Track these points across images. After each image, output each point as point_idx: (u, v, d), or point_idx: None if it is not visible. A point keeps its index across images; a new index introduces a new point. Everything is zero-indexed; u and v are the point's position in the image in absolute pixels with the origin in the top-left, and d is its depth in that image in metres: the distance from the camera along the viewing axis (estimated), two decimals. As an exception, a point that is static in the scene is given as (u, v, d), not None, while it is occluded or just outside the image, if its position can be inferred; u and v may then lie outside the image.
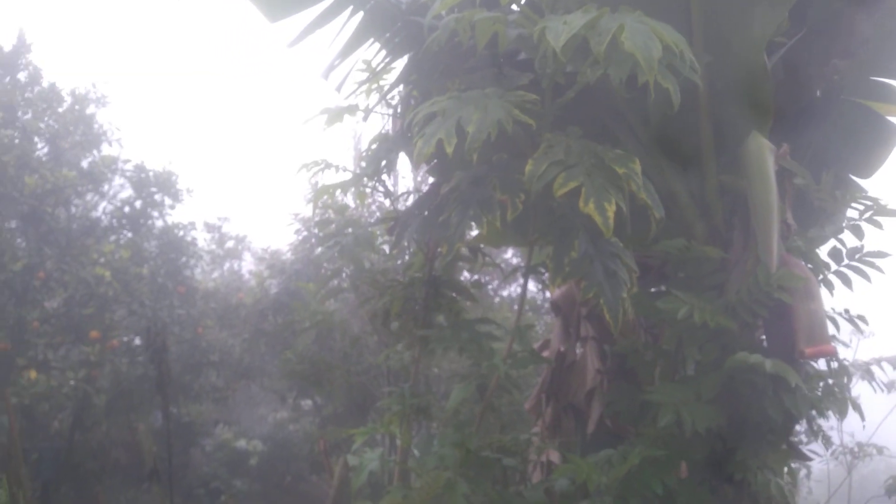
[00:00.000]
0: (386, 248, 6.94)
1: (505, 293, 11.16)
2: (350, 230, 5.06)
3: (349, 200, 8.24)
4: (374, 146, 3.65)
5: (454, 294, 4.05)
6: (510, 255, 10.05)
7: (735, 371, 2.73)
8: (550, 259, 2.58)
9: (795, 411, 2.68)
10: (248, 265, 13.03)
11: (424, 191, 3.78)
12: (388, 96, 3.81)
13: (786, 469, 3.03)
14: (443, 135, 2.37)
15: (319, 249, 4.61)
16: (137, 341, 8.92)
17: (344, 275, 7.24)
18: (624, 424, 3.44)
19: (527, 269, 3.17)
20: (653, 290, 3.61)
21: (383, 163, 3.56)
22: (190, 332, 8.82)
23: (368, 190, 3.87)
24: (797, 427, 3.12)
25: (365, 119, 3.73)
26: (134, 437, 10.14)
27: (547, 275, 3.01)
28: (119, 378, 7.26)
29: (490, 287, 9.91)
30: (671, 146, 3.20)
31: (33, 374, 6.09)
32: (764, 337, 3.09)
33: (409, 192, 4.21)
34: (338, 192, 3.94)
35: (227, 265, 12.89)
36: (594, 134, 2.64)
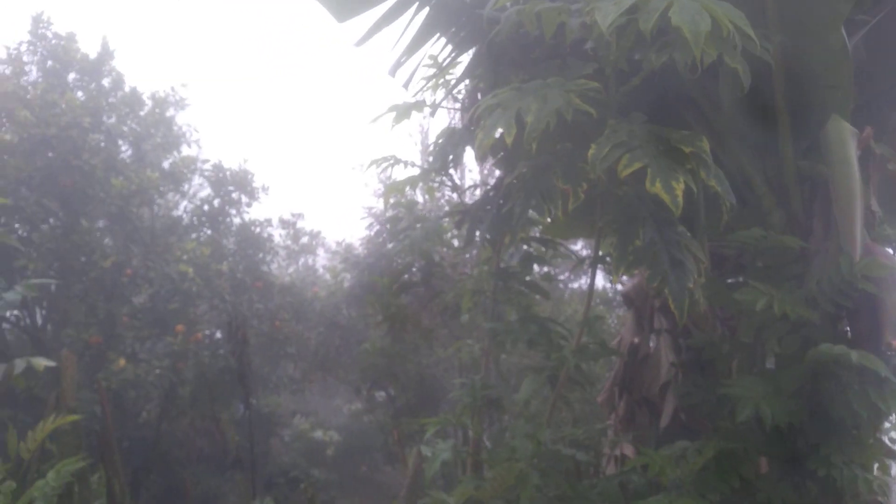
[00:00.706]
0: (455, 242, 7.00)
1: (576, 285, 11.04)
2: (419, 225, 5.13)
3: (418, 196, 8.33)
4: (440, 141, 3.69)
5: (523, 287, 4.06)
6: (580, 247, 9.95)
7: (817, 364, 2.63)
8: (614, 248, 2.54)
9: (884, 405, 2.56)
10: (322, 260, 13.36)
11: (492, 184, 3.80)
12: (455, 91, 3.83)
13: (876, 465, 2.90)
14: (502, 125, 2.37)
15: (391, 245, 4.70)
16: (219, 334, 9.28)
17: (415, 269, 7.34)
18: (699, 418, 3.35)
19: (594, 260, 3.13)
20: (730, 280, 3.51)
21: (450, 157, 3.59)
22: (268, 326, 9.11)
23: (436, 184, 3.89)
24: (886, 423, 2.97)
25: (432, 114, 3.76)
26: (217, 426, 10.57)
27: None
28: (202, 370, 7.58)
29: (561, 280, 9.81)
30: (745, 132, 3.09)
31: (122, 361, 6.45)
32: (848, 329, 2.95)
33: (476, 185, 4.22)
34: (407, 187, 4.00)
35: (301, 260, 13.23)
36: (663, 121, 2.58)
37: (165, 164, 8.93)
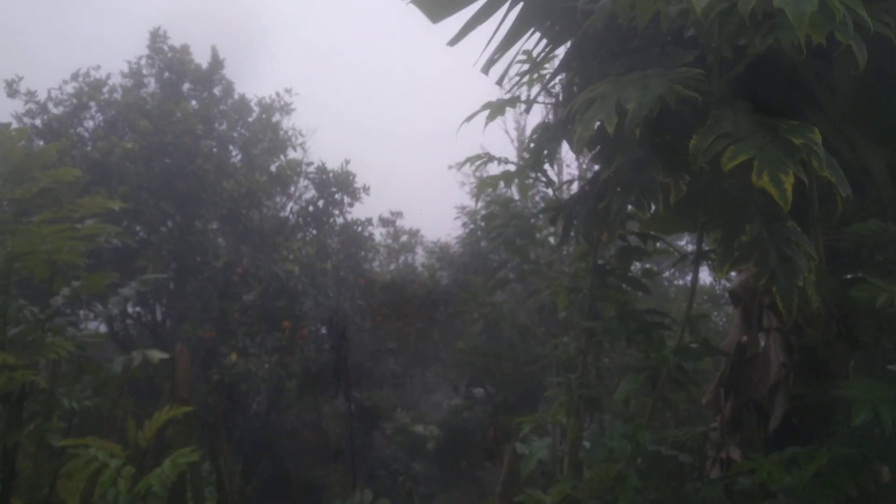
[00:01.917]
0: (551, 239, 6.93)
1: (681, 283, 10.66)
2: (513, 223, 5.11)
3: (513, 193, 8.29)
4: (535, 137, 3.66)
5: (622, 284, 3.96)
6: (685, 242, 9.59)
7: (945, 365, 2.43)
8: (719, 244, 2.43)
9: None
10: (421, 258, 13.58)
11: (589, 179, 3.73)
12: (550, 85, 3.79)
13: None
14: (602, 116, 2.31)
15: (483, 243, 4.70)
16: (324, 330, 9.61)
17: (510, 266, 7.33)
18: (812, 422, 3.17)
19: (697, 256, 3.01)
20: (847, 276, 3.29)
21: (545, 153, 3.55)
22: (370, 322, 9.35)
23: (531, 181, 3.86)
24: None
25: (527, 111, 3.74)
26: (321, 419, 10.96)
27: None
28: (308, 364, 7.87)
29: (665, 277, 9.51)
30: (864, 119, 2.88)
31: (234, 356, 6.79)
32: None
33: (572, 180, 4.16)
34: (500, 184, 3.99)
35: (402, 258, 13.50)
36: (770, 110, 2.45)
37: (272, 168, 9.34)
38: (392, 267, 13.19)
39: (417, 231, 12.95)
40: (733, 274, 4.26)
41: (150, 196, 7.26)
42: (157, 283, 9.18)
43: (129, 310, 8.87)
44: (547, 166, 3.79)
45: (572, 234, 3.59)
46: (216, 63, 10.14)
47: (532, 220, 4.63)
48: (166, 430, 3.01)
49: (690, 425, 4.71)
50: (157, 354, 3.37)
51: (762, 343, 3.87)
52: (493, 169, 4.08)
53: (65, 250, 2.95)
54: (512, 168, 3.83)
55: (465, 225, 10.53)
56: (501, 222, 5.70)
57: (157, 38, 10.03)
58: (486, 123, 3.73)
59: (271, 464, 10.20)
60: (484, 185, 4.12)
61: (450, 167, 10.53)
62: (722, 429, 4.08)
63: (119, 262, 6.57)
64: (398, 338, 10.58)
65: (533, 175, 3.79)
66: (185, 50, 10.11)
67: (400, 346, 10.62)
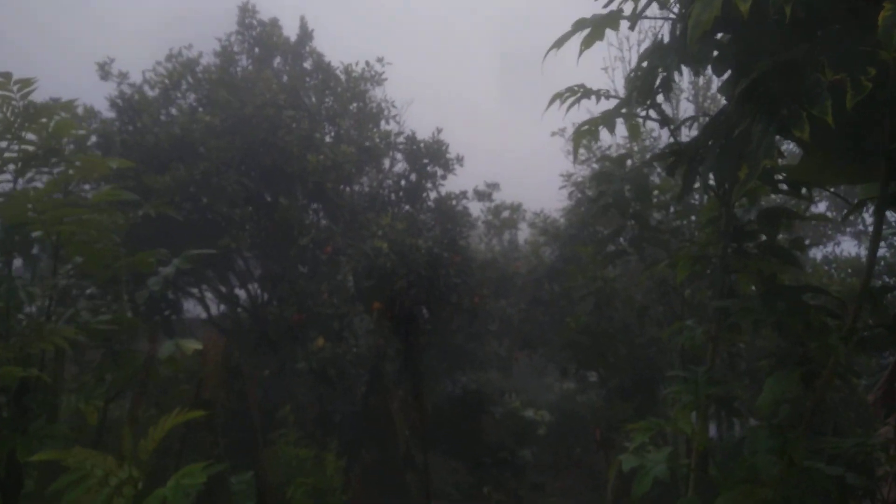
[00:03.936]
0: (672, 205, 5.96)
1: (821, 253, 9.30)
2: (627, 182, 4.25)
3: (617, 138, 7.35)
4: (644, 64, 2.83)
5: (766, 253, 3.06)
6: (824, 208, 8.21)
7: None
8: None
9: None
10: (524, 233, 12.78)
11: (719, 110, 2.84)
12: (663, -5, 2.93)
13: None
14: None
15: (584, 207, 3.88)
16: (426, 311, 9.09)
17: (625, 236, 6.43)
18: None
19: (881, 201, 2.10)
20: None
21: (657, 81, 2.72)
22: (468, 302, 8.70)
23: (640, 120, 3.02)
24: None
25: (632, 27, 2.90)
26: (419, 403, 10.53)
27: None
28: (402, 346, 7.35)
29: (818, 246, 8.23)
30: None
31: (321, 341, 6.35)
32: None
33: (695, 117, 3.27)
34: (601, 127, 3.16)
35: (505, 235, 12.76)
36: None
37: (363, 141, 8.84)
38: (494, 243, 12.51)
39: (520, 206, 12.16)
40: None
41: (232, 171, 6.90)
42: (246, 263, 8.98)
43: (223, 291, 8.70)
44: (662, 100, 2.95)
45: (697, 185, 2.75)
46: (305, 35, 9.74)
47: (650, 176, 3.78)
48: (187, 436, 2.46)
49: (851, 430, 3.73)
50: (191, 345, 2.85)
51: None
52: (594, 110, 3.30)
53: (63, 220, 2.46)
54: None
55: (571, 195, 9.64)
56: (613, 184, 4.82)
57: (245, 12, 9.75)
58: (582, 50, 2.93)
59: (373, 448, 9.89)
60: (581, 134, 3.29)
61: (553, 134, 9.62)
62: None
63: (201, 240, 6.26)
64: (500, 318, 9.89)
65: (643, 112, 2.95)
66: (273, 23, 9.77)
67: (502, 328, 9.92)
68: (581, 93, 2.99)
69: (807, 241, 8.41)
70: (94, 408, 2.81)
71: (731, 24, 1.88)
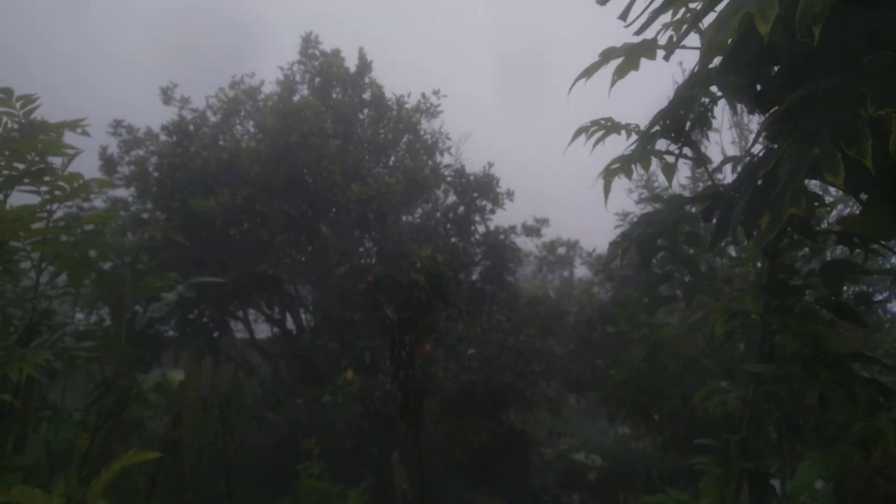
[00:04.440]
0: (731, 249, 5.55)
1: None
2: (675, 223, 3.94)
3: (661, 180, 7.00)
4: (680, 95, 2.55)
5: (825, 308, 2.69)
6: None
7: None
8: None
9: None
10: (580, 271, 12.39)
11: (759, 153, 2.54)
12: (701, 22, 2.66)
13: None
14: (752, 6, 1.25)
15: (610, 245, 3.56)
16: (468, 349, 8.82)
17: (676, 283, 6.03)
18: None
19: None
20: None
21: (690, 114, 2.45)
22: (512, 339, 8.39)
23: (674, 158, 2.74)
24: None
25: (667, 57, 2.63)
26: (468, 437, 10.22)
27: None
28: (436, 383, 7.10)
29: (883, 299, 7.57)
30: None
31: (350, 373, 6.17)
32: None
33: (732, 159, 2.96)
34: (633, 165, 2.88)
35: (558, 272, 12.41)
36: None
37: (413, 172, 8.74)
38: (547, 279, 12.18)
39: (576, 242, 11.81)
40: None
41: (275, 198, 6.88)
42: (295, 288, 8.93)
43: (270, 314, 8.67)
44: (700, 137, 2.67)
45: (730, 231, 2.44)
46: (364, 65, 9.77)
47: (682, 212, 3.46)
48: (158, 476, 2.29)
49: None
50: (178, 376, 2.70)
51: None
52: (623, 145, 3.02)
53: (46, 239, 2.36)
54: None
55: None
56: (658, 224, 4.49)
57: (308, 42, 9.88)
58: (614, 81, 2.68)
59: (418, 483, 9.63)
60: (612, 173, 3.02)
61: (599, 176, 9.24)
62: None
63: (244, 265, 6.25)
64: (548, 358, 9.50)
65: (676, 149, 2.66)
66: (335, 54, 9.85)
67: (549, 368, 9.53)
68: (608, 127, 2.74)
69: (882, 296, 7.73)
70: (83, 434, 2.70)
71: (775, 52, 1.61)
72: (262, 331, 9.95)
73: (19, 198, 2.59)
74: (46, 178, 2.46)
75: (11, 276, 2.46)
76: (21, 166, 2.42)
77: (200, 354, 8.61)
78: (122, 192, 8.96)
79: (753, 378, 2.59)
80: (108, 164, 8.60)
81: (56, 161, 2.66)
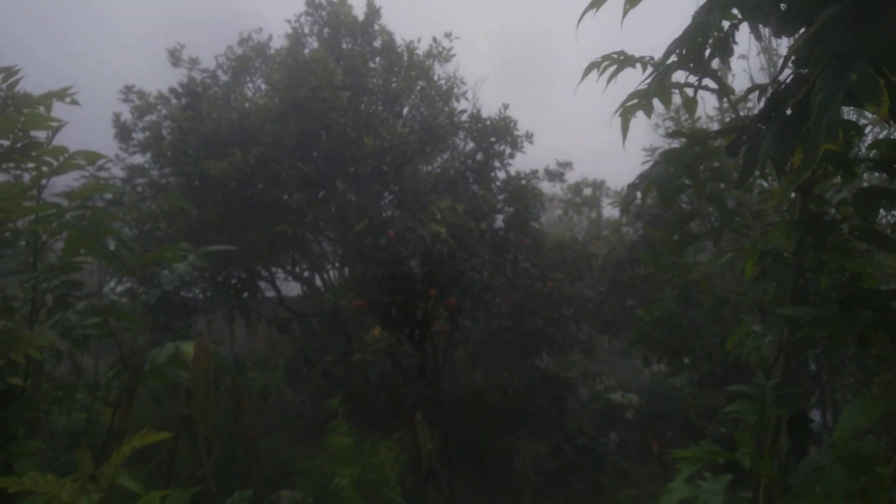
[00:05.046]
0: (764, 181, 5.29)
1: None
2: (697, 156, 3.73)
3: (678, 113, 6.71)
4: (698, 20, 2.34)
5: (858, 239, 2.51)
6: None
7: None
8: None
9: None
10: (608, 211, 12.14)
11: (786, 79, 2.33)
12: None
13: None
14: None
15: (629, 186, 3.38)
16: (496, 298, 8.72)
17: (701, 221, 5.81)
18: None
19: None
20: None
21: (710, 41, 2.24)
22: (540, 285, 8.25)
23: (693, 89, 2.54)
24: None
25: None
26: (501, 383, 10.24)
27: None
28: (465, 334, 7.03)
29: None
30: None
31: (377, 330, 6.12)
32: None
33: (762, 86, 2.74)
34: (651, 100, 2.68)
35: (585, 214, 12.16)
36: None
37: (427, 120, 8.50)
38: (573, 222, 11.96)
39: (602, 182, 11.51)
40: None
41: (286, 156, 6.74)
42: (321, 246, 8.87)
43: (297, 272, 8.64)
44: (719, 64, 2.46)
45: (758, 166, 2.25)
46: (372, 12, 9.44)
47: (707, 145, 3.24)
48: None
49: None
50: (191, 348, 2.64)
51: None
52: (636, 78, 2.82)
53: (38, 216, 2.27)
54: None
55: (653, 171, 8.93)
56: (677, 161, 4.26)
57: (313, -10, 9.56)
58: (626, 11, 2.48)
59: (458, 431, 9.72)
60: (629, 109, 2.82)
61: (615, 113, 8.91)
62: None
63: (262, 226, 6.17)
64: (577, 302, 9.37)
65: (695, 80, 2.46)
66: (342, 2, 9.52)
67: (579, 312, 9.41)
68: (621, 61, 2.54)
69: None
70: (107, 407, 2.67)
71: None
72: (293, 289, 9.97)
73: None
74: (32, 154, 2.36)
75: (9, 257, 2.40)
76: (6, 143, 2.32)
77: (231, 316, 8.65)
78: (139, 159, 8.94)
79: (788, 322, 2.44)
80: (123, 130, 8.52)
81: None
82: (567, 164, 9.73)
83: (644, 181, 2.68)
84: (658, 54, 2.73)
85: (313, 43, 9.42)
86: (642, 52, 2.71)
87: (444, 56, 9.08)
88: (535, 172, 8.32)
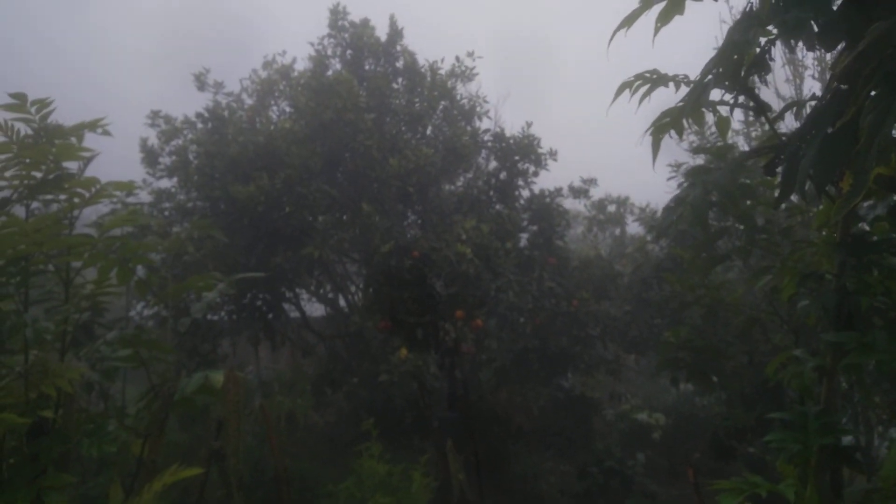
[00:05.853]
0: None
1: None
2: (727, 175, 3.66)
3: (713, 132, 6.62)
4: (731, 34, 2.29)
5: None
6: None
7: None
8: None
9: None
10: (633, 228, 12.03)
11: (822, 95, 2.27)
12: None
13: None
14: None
15: (665, 209, 3.33)
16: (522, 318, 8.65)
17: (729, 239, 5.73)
18: None
19: None
20: None
21: (744, 58, 2.19)
22: (565, 305, 8.17)
23: (728, 108, 2.49)
24: None
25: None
26: (527, 403, 10.15)
27: None
28: (490, 356, 6.97)
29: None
30: None
31: (404, 352, 6.09)
32: None
33: (800, 102, 2.67)
34: (683, 120, 2.63)
35: (610, 231, 12.06)
36: None
37: (451, 140, 8.50)
38: (598, 239, 11.85)
39: (626, 199, 11.40)
40: None
41: (313, 179, 6.77)
42: (345, 268, 8.88)
43: (322, 293, 8.64)
44: (758, 82, 2.40)
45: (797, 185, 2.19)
46: (395, 33, 9.49)
47: (740, 163, 3.18)
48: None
49: None
50: (220, 378, 2.62)
51: None
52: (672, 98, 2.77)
53: (70, 249, 2.28)
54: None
55: (680, 185, 8.83)
56: (715, 184, 4.19)
57: (336, 14, 9.64)
58: (657, 29, 2.45)
59: (482, 450, 9.65)
60: (661, 128, 2.78)
61: (647, 132, 8.85)
62: None
63: (286, 248, 6.19)
64: (604, 321, 9.26)
65: (731, 98, 2.41)
66: (364, 24, 9.60)
67: (605, 331, 9.29)
68: (654, 80, 2.50)
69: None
70: (136, 438, 2.66)
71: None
72: (317, 310, 9.97)
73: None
74: (65, 185, 2.38)
75: (39, 289, 2.41)
76: (38, 174, 2.34)
77: (256, 338, 8.67)
78: (165, 183, 9.04)
79: (832, 347, 2.36)
80: (150, 155, 8.64)
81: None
82: (591, 181, 9.66)
83: (680, 204, 2.63)
84: (672, 68, 2.69)
85: (336, 65, 9.50)
86: (652, 66, 2.67)
87: (467, 75, 9.09)
88: (559, 190, 8.26)
